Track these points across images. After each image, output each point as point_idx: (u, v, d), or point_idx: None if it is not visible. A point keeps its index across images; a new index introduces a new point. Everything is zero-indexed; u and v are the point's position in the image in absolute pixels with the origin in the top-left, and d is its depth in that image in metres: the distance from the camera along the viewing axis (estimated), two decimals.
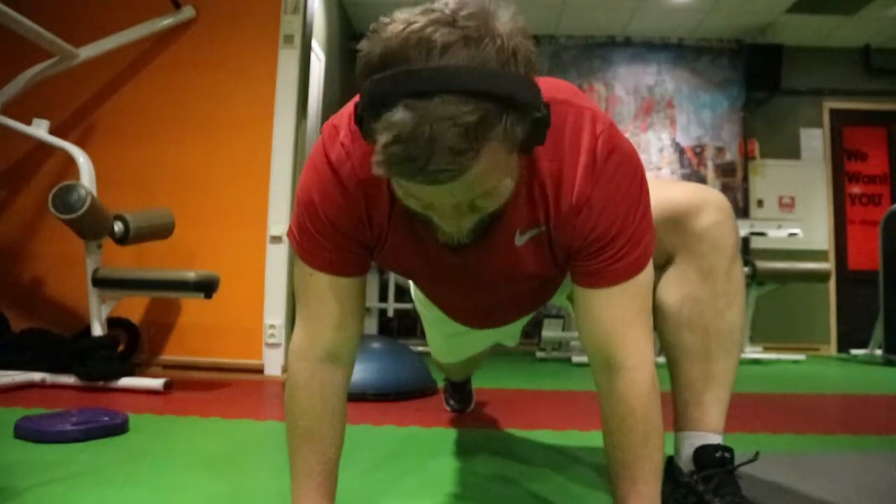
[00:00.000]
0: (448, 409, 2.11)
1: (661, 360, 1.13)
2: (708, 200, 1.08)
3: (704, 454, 1.06)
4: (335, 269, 0.91)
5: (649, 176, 0.93)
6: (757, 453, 1.12)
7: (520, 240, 0.88)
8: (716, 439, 1.08)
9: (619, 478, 0.92)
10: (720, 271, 1.07)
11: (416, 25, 0.65)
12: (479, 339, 1.49)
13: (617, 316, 0.89)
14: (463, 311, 1.20)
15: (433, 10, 0.66)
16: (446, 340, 1.53)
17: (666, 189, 1.11)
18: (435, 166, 0.64)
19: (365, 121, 0.69)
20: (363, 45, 0.69)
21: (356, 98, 0.86)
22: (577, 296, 0.92)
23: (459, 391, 2.09)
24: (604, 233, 0.85)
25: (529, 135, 0.71)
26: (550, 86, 0.84)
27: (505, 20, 0.67)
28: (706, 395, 1.08)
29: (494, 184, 0.72)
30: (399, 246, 0.91)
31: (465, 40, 0.64)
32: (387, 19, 0.68)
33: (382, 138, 0.65)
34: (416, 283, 1.12)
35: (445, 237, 0.82)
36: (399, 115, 0.63)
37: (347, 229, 0.89)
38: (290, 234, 0.94)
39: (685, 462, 1.09)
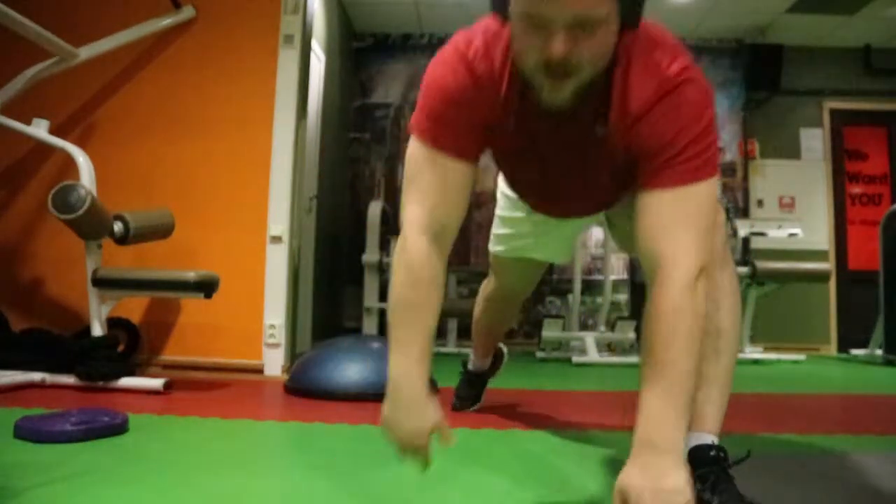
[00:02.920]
0: (455, 400, 2.09)
1: None
2: None
3: (699, 453, 1.07)
4: (456, 150, 1.05)
5: None
6: (749, 451, 1.13)
7: (599, 131, 1.03)
8: (710, 439, 1.08)
9: (641, 382, 0.94)
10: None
11: None
12: (544, 243, 1.62)
13: (667, 217, 0.96)
14: (543, 194, 1.34)
15: None
16: (518, 242, 1.64)
17: None
18: None
19: None
20: None
21: (485, 18, 1.05)
22: (637, 202, 1.00)
23: (475, 383, 2.09)
24: (660, 137, 0.96)
25: (628, 6, 0.89)
26: (648, 22, 0.99)
27: None
28: (697, 395, 1.07)
29: (605, 12, 0.86)
30: (511, 124, 1.05)
31: None
32: None
33: None
34: (511, 165, 1.28)
35: (548, 98, 0.96)
36: None
37: (474, 107, 1.04)
38: (413, 125, 1.08)
39: None
